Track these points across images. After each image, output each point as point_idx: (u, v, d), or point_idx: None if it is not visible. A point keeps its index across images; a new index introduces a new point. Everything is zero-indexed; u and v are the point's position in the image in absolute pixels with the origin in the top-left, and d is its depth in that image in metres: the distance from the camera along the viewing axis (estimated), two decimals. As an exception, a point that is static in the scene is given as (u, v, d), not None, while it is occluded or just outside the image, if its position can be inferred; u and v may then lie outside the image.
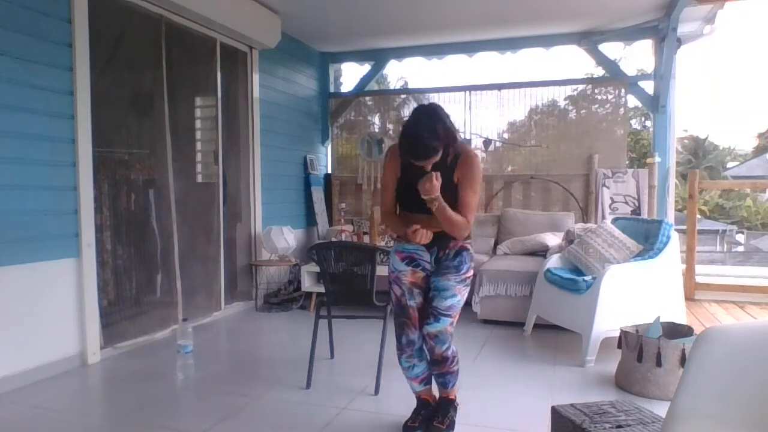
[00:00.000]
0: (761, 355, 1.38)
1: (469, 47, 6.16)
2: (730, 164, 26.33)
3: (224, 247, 4.84)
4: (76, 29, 3.34)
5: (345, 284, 3.11)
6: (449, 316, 2.40)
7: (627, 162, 5.93)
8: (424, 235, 2.31)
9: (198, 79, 4.89)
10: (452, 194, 2.36)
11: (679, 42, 5.37)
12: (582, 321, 3.51)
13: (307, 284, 4.90)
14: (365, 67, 6.85)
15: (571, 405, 2.08)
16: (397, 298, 2.50)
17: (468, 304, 4.42)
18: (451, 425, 2.51)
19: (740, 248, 22.24)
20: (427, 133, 2.23)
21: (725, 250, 21.20)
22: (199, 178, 5.17)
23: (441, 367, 2.48)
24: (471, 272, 2.50)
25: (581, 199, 5.74)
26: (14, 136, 3.04)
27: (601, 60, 5.98)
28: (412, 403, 2.69)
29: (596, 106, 5.95)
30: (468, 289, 2.49)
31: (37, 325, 3.17)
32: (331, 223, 6.29)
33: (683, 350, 2.81)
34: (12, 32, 3.01)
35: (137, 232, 4.56)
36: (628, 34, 5.59)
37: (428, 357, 2.49)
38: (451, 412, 2.54)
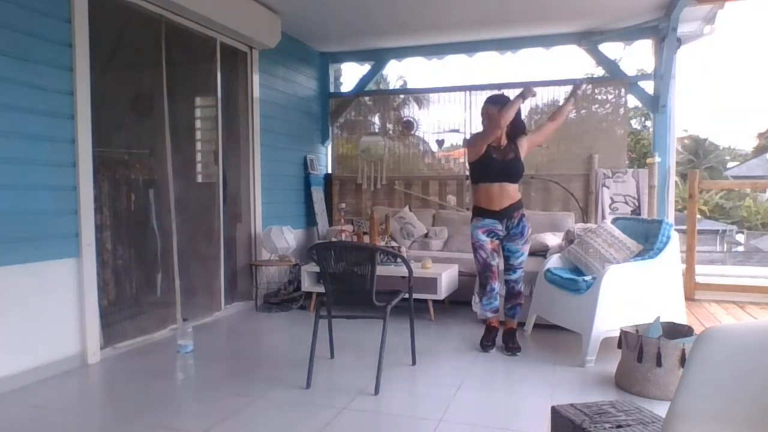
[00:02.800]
0: (761, 355, 1.38)
1: (469, 47, 6.16)
2: (730, 164, 26.34)
3: (224, 247, 4.84)
4: (76, 29, 3.34)
5: (345, 284, 3.11)
6: (522, 267, 3.72)
7: (627, 162, 5.92)
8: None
9: (198, 79, 4.89)
10: (522, 167, 3.66)
11: (679, 42, 5.36)
12: (582, 321, 3.51)
13: (307, 284, 4.90)
14: (365, 67, 6.85)
15: (571, 405, 2.07)
16: (483, 260, 3.66)
17: (468, 304, 4.47)
18: (519, 347, 3.67)
19: (740, 248, 22.23)
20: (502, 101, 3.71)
21: (725, 250, 21.19)
22: (199, 178, 5.17)
23: (515, 300, 3.76)
24: (530, 231, 3.73)
25: (581, 199, 5.74)
26: (14, 136, 3.03)
27: (601, 60, 5.98)
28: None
29: (596, 106, 5.95)
30: (529, 244, 3.76)
31: (37, 325, 3.17)
32: (331, 223, 6.29)
33: (683, 350, 2.81)
34: (12, 32, 3.00)
35: (137, 232, 4.56)
36: (628, 34, 5.59)
37: (507, 293, 3.75)
38: (516, 337, 3.74)
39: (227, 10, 4.51)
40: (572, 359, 3.50)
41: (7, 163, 3.00)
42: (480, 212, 3.63)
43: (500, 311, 3.85)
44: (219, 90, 4.75)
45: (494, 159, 3.59)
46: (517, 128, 3.73)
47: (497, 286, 3.70)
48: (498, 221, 3.60)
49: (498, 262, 3.70)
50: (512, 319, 3.78)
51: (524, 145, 3.72)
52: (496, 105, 3.65)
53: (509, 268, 3.71)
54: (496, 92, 4.20)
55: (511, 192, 3.61)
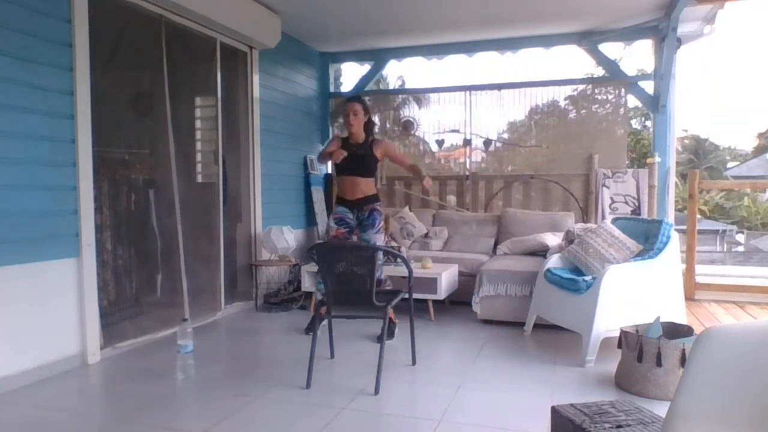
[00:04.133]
0: (761, 355, 1.38)
1: (469, 47, 6.16)
2: (730, 164, 26.33)
3: (224, 247, 4.83)
4: (76, 29, 3.34)
5: (345, 284, 3.11)
6: None
7: (627, 162, 5.93)
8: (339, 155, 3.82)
9: (198, 79, 4.89)
10: (373, 164, 4.02)
11: (679, 42, 5.36)
12: (582, 321, 3.51)
13: (307, 284, 4.90)
14: (365, 67, 6.85)
15: (571, 405, 2.07)
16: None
17: (468, 303, 4.46)
18: (390, 334, 3.83)
19: (740, 248, 22.22)
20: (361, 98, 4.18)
21: (725, 250, 21.17)
22: (199, 178, 5.17)
23: (378, 286, 3.80)
24: (381, 224, 4.05)
25: (581, 199, 5.74)
26: (14, 136, 3.03)
27: (601, 60, 5.98)
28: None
29: (596, 106, 5.95)
30: (383, 235, 4.10)
31: (37, 324, 3.17)
32: (331, 223, 6.28)
33: (683, 350, 2.81)
34: (12, 32, 3.00)
35: (138, 232, 4.56)
36: (628, 34, 5.59)
37: None
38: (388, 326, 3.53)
39: (227, 10, 4.51)
40: (572, 359, 3.50)
41: (7, 163, 3.00)
42: (337, 200, 4.12)
43: None
44: (219, 90, 4.75)
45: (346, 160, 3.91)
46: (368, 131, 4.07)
47: None
48: (349, 210, 4.01)
49: None
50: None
51: (380, 150, 4.01)
52: (360, 104, 4.03)
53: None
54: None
55: (363, 186, 3.98)
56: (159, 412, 2.75)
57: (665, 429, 1.39)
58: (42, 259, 3.19)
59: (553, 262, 4.11)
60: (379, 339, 3.16)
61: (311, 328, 3.82)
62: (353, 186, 3.98)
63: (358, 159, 3.93)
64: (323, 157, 4.11)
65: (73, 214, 3.37)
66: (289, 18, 5.21)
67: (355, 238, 4.10)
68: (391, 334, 3.84)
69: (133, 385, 3.13)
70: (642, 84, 5.71)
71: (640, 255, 3.78)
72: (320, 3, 4.89)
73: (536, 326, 4.11)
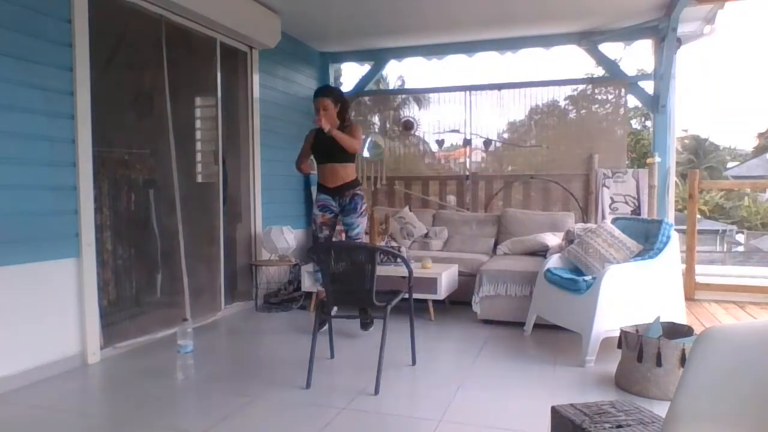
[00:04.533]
0: (761, 355, 1.38)
1: (469, 47, 6.16)
2: (730, 164, 26.32)
3: (224, 247, 4.83)
4: (76, 29, 3.34)
5: (345, 284, 3.11)
6: (359, 238, 4.15)
7: (627, 162, 5.93)
8: (323, 121, 3.88)
9: (198, 79, 4.89)
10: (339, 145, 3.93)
11: (679, 42, 5.36)
12: (582, 321, 3.51)
13: (307, 284, 4.90)
14: (365, 67, 6.85)
15: (571, 405, 2.07)
16: (313, 231, 4.21)
17: (468, 303, 4.46)
18: (371, 320, 4.14)
19: (740, 248, 22.21)
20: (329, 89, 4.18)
21: (725, 250, 21.17)
22: (199, 178, 5.17)
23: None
24: (365, 207, 4.17)
25: (581, 199, 5.74)
26: (14, 136, 3.03)
27: (601, 60, 5.98)
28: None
29: (596, 106, 5.95)
30: (365, 218, 4.19)
31: (37, 325, 3.17)
32: (331, 223, 6.28)
33: (683, 350, 2.81)
34: (12, 32, 3.00)
35: (138, 232, 4.55)
36: (628, 34, 5.59)
37: None
38: (368, 311, 3.92)
39: (227, 10, 4.50)
40: (572, 359, 3.50)
41: (7, 163, 3.00)
42: (319, 188, 4.18)
43: None
44: (219, 90, 4.75)
45: (319, 141, 4.05)
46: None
47: None
48: (331, 197, 4.11)
49: (326, 235, 4.15)
50: None
51: (351, 132, 3.99)
52: (328, 97, 3.99)
53: (348, 239, 4.16)
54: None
55: (341, 172, 4.06)
56: (159, 412, 2.75)
57: (665, 429, 1.39)
58: (42, 259, 3.19)
59: (553, 262, 4.11)
60: (364, 327, 3.96)
61: (320, 327, 3.89)
62: (333, 173, 4.05)
63: (334, 145, 3.94)
64: (298, 169, 4.28)
65: (73, 214, 3.37)
66: (289, 18, 5.21)
67: (339, 226, 4.25)
68: (370, 324, 4.12)
69: (133, 385, 3.13)
70: (642, 84, 5.71)
71: (640, 255, 3.78)
72: (320, 3, 4.89)
73: (536, 326, 4.11)
